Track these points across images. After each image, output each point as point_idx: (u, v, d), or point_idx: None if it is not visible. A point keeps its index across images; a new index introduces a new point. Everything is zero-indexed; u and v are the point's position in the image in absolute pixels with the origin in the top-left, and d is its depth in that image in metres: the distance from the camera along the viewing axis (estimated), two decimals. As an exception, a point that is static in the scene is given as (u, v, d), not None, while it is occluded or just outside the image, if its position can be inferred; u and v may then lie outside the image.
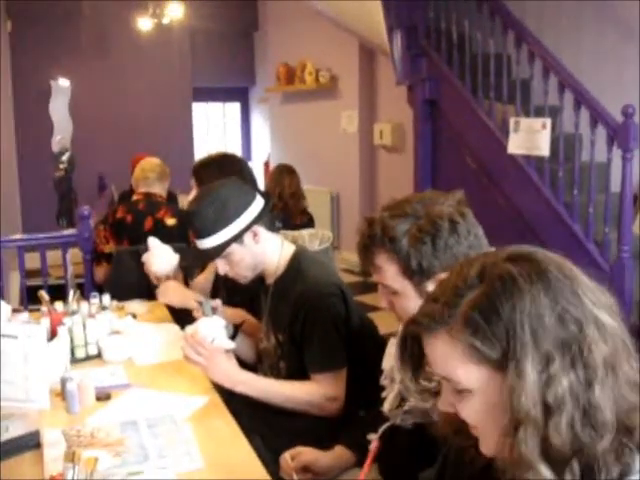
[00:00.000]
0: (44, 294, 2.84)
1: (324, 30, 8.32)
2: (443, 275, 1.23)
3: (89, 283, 4.43)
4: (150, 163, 4.39)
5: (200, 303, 2.43)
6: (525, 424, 0.99)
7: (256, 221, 2.33)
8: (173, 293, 3.05)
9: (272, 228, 2.43)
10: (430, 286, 1.66)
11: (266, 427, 2.31)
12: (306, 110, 9.42)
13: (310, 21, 8.60)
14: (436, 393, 1.21)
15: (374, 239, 1.71)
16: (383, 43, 6.18)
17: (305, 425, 2.31)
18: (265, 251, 2.39)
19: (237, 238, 2.31)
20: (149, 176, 4.27)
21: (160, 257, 3.15)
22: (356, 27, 6.92)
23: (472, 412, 1.08)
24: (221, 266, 2.39)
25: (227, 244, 2.31)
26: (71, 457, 1.37)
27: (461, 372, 1.06)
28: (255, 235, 2.34)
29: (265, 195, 2.45)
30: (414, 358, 1.17)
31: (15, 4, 9.40)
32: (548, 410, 0.99)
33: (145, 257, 3.21)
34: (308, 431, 2.27)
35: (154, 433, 1.97)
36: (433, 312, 1.07)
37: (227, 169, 2.96)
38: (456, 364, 1.05)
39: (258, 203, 2.37)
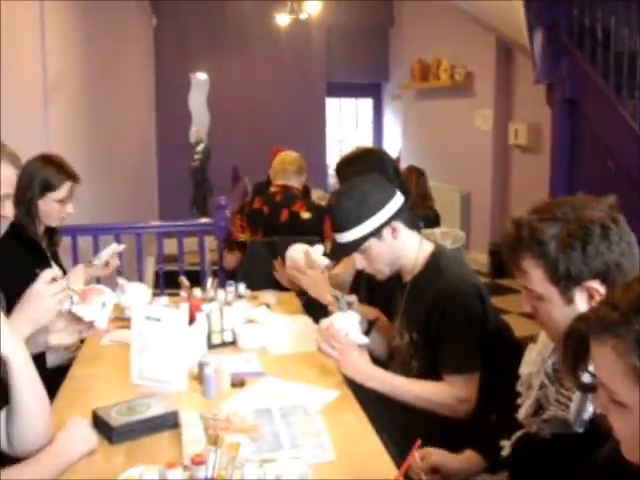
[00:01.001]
0: (185, 280, 2.93)
1: (460, 26, 8.20)
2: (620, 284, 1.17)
3: (221, 270, 4.56)
4: (290, 156, 4.47)
5: (336, 298, 2.44)
6: None
7: (395, 217, 2.32)
8: (314, 285, 3.08)
9: (412, 225, 2.40)
10: (578, 294, 1.60)
11: (394, 424, 2.29)
12: (439, 107, 9.32)
13: (446, 17, 8.49)
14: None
15: (521, 242, 1.66)
16: (522, 40, 6.02)
17: (434, 425, 2.28)
18: (403, 248, 2.36)
19: (375, 233, 2.30)
20: (288, 169, 4.35)
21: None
22: (494, 23, 6.78)
23: (624, 427, 1.03)
24: (359, 261, 2.39)
25: (365, 238, 2.30)
26: (214, 440, 1.39)
27: (622, 387, 1.01)
28: (394, 231, 2.32)
29: (406, 192, 2.43)
30: (576, 354, 1.12)
31: (161, 2, 9.76)
32: None
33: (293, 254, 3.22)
34: (437, 432, 2.22)
35: (287, 422, 1.98)
36: (608, 319, 1.02)
37: (368, 165, 2.94)
38: (618, 378, 1.01)
39: (398, 199, 2.35)
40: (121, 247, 3.18)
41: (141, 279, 4.69)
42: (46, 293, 2.00)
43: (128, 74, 8.23)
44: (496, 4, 6.20)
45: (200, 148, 10.42)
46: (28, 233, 2.84)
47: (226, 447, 1.38)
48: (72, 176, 2.95)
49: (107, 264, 3.07)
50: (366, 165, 2.99)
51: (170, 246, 5.27)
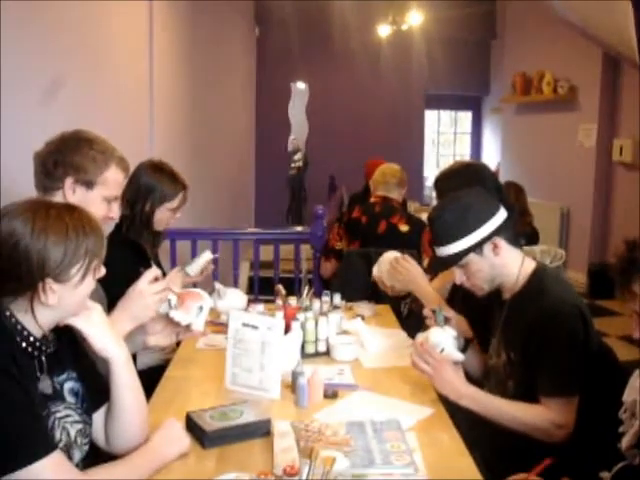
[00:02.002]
0: (282, 288, 2.94)
1: (565, 39, 8.01)
2: None
3: (318, 280, 4.58)
4: (391, 169, 4.51)
5: (434, 311, 2.40)
6: None
7: (497, 233, 2.26)
8: (412, 279, 3.02)
9: (514, 242, 2.34)
10: None
11: (486, 445, 2.23)
12: (541, 122, 9.12)
13: (551, 29, 8.31)
14: None
15: (634, 264, 1.59)
16: (631, 53, 5.83)
17: (528, 449, 2.20)
18: (505, 264, 2.30)
19: (476, 248, 2.25)
20: (389, 181, 4.37)
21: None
22: (602, 36, 6.58)
23: None
24: (458, 275, 2.34)
25: (465, 253, 2.26)
26: (309, 453, 1.38)
27: None
28: (495, 247, 2.26)
29: (509, 207, 2.37)
30: None
31: (264, 12, 9.92)
32: None
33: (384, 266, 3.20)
34: (531, 456, 2.15)
35: (380, 438, 1.95)
36: None
37: (469, 179, 2.89)
38: None
39: (501, 215, 2.30)
40: (214, 256, 3.23)
41: (236, 284, 4.75)
42: (148, 291, 2.06)
43: (230, 82, 8.38)
44: (601, 13, 6.01)
45: (297, 157, 10.51)
46: (133, 236, 2.92)
47: (321, 461, 1.37)
48: (184, 186, 3.05)
49: (202, 272, 3.11)
50: (465, 179, 2.94)
51: (264, 252, 5.32)
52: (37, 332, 1.66)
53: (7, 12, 2.65)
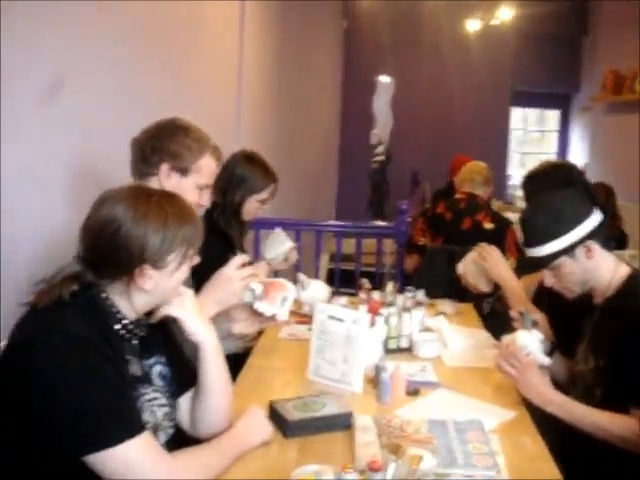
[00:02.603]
0: (366, 282, 2.94)
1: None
2: None
3: (400, 274, 4.57)
4: (477, 166, 4.49)
5: (521, 314, 2.36)
6: None
7: (591, 236, 2.20)
8: (494, 265, 2.99)
9: (607, 246, 2.27)
10: None
11: (569, 452, 2.17)
12: (633, 122, 8.83)
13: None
14: None
15: None
16: None
17: (615, 460, 2.13)
18: (597, 268, 2.24)
19: (568, 251, 2.20)
20: (475, 179, 4.34)
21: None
22: None
23: None
24: (548, 278, 2.29)
25: (556, 255, 2.21)
26: (395, 450, 1.37)
27: None
28: (588, 251, 2.20)
29: (603, 210, 2.30)
30: None
31: (352, 5, 9.90)
32: None
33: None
34: (617, 467, 2.09)
35: (462, 438, 1.92)
36: None
37: (559, 180, 2.83)
38: None
39: (595, 218, 2.23)
40: (295, 245, 3.24)
41: (317, 276, 4.77)
42: (235, 277, 2.09)
43: (317, 74, 8.41)
44: None
45: (380, 151, 10.47)
46: (222, 224, 2.97)
47: (407, 458, 1.36)
48: (275, 179, 3.09)
49: (286, 259, 3.13)
50: (555, 180, 2.88)
51: (344, 245, 5.33)
52: (131, 316, 1.70)
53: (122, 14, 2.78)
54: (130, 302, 1.68)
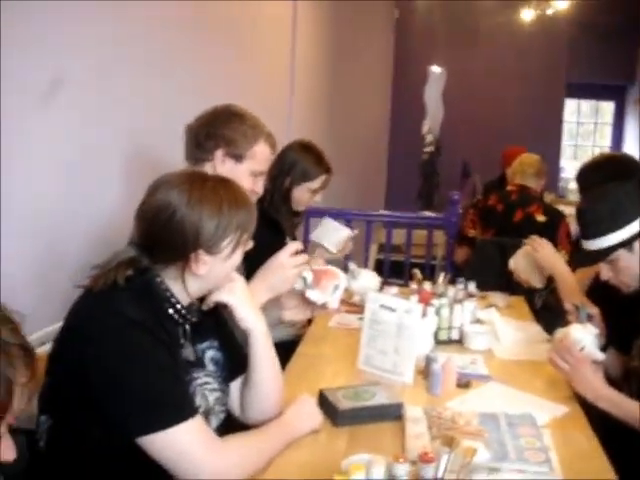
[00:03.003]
0: (418, 273, 2.92)
1: None
2: None
3: (450, 266, 4.54)
4: (530, 158, 4.43)
5: (576, 307, 2.32)
6: None
7: (650, 230, 2.15)
8: (548, 255, 2.98)
9: None
10: None
11: (621, 450, 2.13)
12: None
13: None
14: None
15: None
16: None
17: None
18: (657, 262, 2.19)
19: (627, 244, 2.15)
20: (527, 171, 4.29)
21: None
22: None
23: None
24: (604, 271, 2.25)
25: (614, 248, 2.16)
26: (449, 442, 1.35)
27: None
28: (647, 245, 2.16)
29: None
30: None
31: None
32: None
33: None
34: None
35: (514, 433, 1.90)
36: None
37: (615, 173, 2.77)
38: None
39: None
40: (354, 232, 3.23)
41: (366, 266, 4.76)
42: (289, 264, 2.08)
43: (368, 63, 8.37)
44: None
45: (431, 141, 10.38)
46: (272, 211, 2.96)
47: (461, 450, 1.34)
48: (328, 169, 3.07)
49: (342, 249, 3.13)
50: (611, 172, 2.82)
51: (393, 236, 5.30)
52: (184, 300, 1.71)
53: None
54: (184, 287, 1.68)
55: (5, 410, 0.94)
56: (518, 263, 3.10)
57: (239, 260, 1.75)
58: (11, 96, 2.00)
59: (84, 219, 2.49)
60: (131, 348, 1.55)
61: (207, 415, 1.73)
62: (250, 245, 1.76)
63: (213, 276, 1.70)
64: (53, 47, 2.22)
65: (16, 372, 0.95)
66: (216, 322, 1.87)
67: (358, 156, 7.90)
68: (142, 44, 2.75)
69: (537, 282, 3.07)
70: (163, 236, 1.64)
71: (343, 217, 4.71)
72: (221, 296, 1.77)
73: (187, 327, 1.75)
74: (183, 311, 1.71)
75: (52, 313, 2.01)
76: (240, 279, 1.82)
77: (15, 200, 2.09)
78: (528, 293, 3.37)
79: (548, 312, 3.13)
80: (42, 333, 2.12)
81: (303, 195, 3.04)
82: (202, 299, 1.79)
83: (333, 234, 3.14)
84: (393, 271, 5.09)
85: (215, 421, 1.79)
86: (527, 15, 9.47)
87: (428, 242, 5.06)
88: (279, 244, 2.31)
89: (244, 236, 1.70)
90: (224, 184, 1.72)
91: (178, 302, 1.69)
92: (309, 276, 2.12)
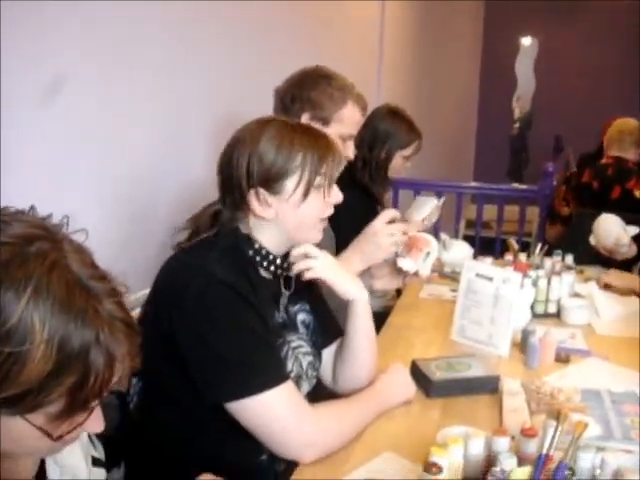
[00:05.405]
0: (514, 242, 2.82)
1: None
2: None
3: (540, 240, 4.37)
4: (629, 124, 4.12)
5: None
6: None
7: None
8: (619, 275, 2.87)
9: None
10: None
11: None
12: None
13: None
14: None
15: None
16: None
17: None
18: None
19: None
20: (625, 139, 4.01)
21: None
22: None
23: None
24: None
25: None
26: (557, 415, 1.27)
27: None
28: None
29: None
30: None
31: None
32: None
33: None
34: None
35: (618, 410, 1.80)
36: None
37: None
38: None
39: None
40: (441, 200, 3.15)
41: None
42: (383, 232, 2.02)
43: (457, 33, 8.24)
44: None
45: (522, 115, 10.10)
46: (366, 180, 2.92)
47: (571, 425, 1.26)
48: (419, 135, 3.05)
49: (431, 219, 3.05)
50: None
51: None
52: (274, 250, 1.64)
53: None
54: (265, 237, 1.61)
55: (105, 385, 0.90)
56: (598, 236, 2.98)
57: (321, 210, 1.63)
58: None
59: (172, 187, 2.49)
60: (221, 312, 1.48)
61: (298, 379, 1.68)
62: (337, 198, 1.65)
63: (287, 223, 1.60)
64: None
65: (118, 348, 0.90)
66: (308, 284, 1.78)
67: (448, 128, 7.75)
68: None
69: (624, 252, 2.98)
70: (225, 173, 1.57)
71: (433, 189, 4.62)
72: (316, 273, 1.68)
73: (282, 290, 1.69)
74: (278, 260, 1.63)
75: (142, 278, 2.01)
76: (321, 254, 1.70)
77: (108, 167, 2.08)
78: (626, 267, 3.21)
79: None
80: (132, 299, 2.12)
81: (396, 162, 3.02)
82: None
83: (422, 206, 3.07)
84: (483, 248, 4.96)
85: (306, 386, 1.74)
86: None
87: (521, 217, 4.88)
88: (373, 213, 2.25)
89: (317, 179, 1.57)
90: (303, 125, 1.63)
91: (269, 253, 1.62)
92: (400, 247, 2.05)
